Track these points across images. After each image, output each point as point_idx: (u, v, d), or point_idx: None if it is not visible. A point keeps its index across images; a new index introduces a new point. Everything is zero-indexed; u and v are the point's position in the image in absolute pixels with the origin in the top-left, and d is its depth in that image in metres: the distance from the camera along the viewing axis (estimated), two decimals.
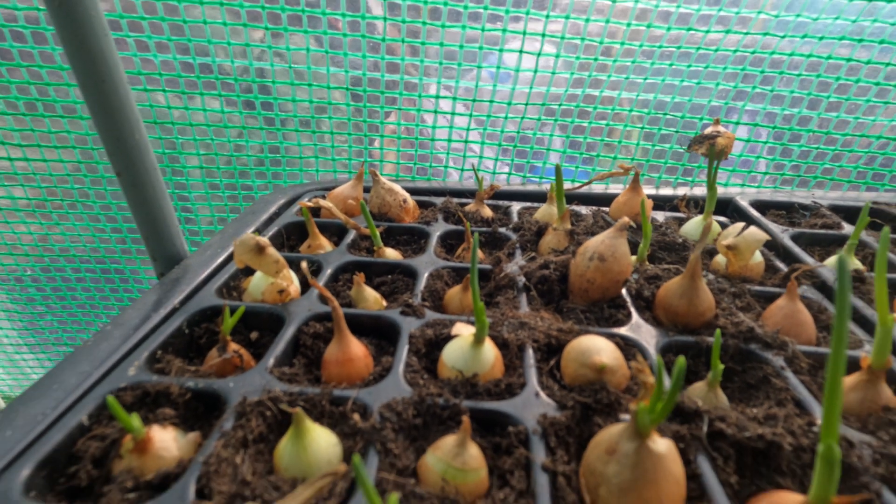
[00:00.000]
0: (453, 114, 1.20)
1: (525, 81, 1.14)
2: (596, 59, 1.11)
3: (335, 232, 0.84)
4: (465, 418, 0.40)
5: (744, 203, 0.93)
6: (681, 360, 0.34)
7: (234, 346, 0.54)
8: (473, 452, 0.40)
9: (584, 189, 1.01)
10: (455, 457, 0.39)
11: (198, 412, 0.48)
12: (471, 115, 1.24)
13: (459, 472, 0.39)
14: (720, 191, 1.02)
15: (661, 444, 0.36)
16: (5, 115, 1.12)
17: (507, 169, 1.30)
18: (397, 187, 0.89)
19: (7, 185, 1.20)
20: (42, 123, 1.14)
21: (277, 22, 1.04)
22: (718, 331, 0.49)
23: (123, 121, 0.66)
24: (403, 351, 0.52)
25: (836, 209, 0.92)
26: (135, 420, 0.40)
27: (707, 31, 1.03)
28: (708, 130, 0.81)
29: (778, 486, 0.41)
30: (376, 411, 0.44)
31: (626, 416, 0.44)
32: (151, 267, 0.78)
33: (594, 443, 0.39)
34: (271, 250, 0.59)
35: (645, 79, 1.12)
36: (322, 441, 0.41)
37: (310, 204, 0.79)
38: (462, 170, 1.29)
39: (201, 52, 1.11)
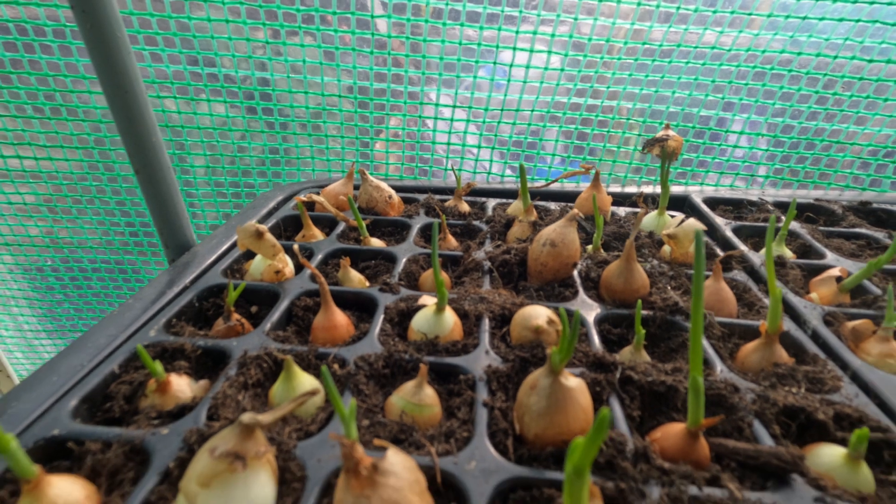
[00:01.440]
0: (452, 119, 1.31)
1: (522, 85, 1.24)
2: (602, 58, 1.19)
3: (327, 224, 0.94)
4: (423, 366, 0.50)
5: (697, 200, 1.03)
6: (576, 314, 0.44)
7: (236, 316, 0.64)
8: (429, 392, 0.50)
9: (557, 186, 1.11)
10: (413, 395, 0.49)
11: (207, 366, 0.58)
12: (467, 121, 1.34)
13: (416, 407, 0.49)
14: (681, 189, 1.13)
15: (572, 381, 0.46)
16: (32, 119, 1.23)
17: (505, 170, 1.40)
18: (384, 185, 0.99)
19: (31, 182, 1.30)
20: (65, 126, 1.24)
21: (280, 28, 1.14)
22: (640, 301, 0.59)
23: (143, 126, 0.77)
24: (379, 319, 0.62)
25: (781, 206, 1.02)
26: (157, 366, 0.50)
27: (718, 31, 1.13)
28: (660, 134, 0.91)
29: (674, 420, 0.50)
30: (352, 362, 0.54)
31: None
32: (158, 259, 0.89)
33: (523, 383, 0.49)
34: (269, 236, 0.69)
35: (647, 76, 1.21)
36: (307, 384, 0.51)
37: (304, 199, 0.89)
38: (461, 171, 1.39)
39: (208, 61, 1.21)
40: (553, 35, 1.17)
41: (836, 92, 1.15)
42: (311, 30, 1.15)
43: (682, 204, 1.06)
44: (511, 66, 1.21)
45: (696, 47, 1.16)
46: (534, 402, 0.46)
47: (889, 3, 1.06)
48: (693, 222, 0.80)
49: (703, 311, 0.42)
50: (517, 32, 1.17)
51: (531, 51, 1.20)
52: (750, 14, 1.10)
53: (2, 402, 0.49)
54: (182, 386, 0.52)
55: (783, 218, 0.95)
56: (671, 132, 0.91)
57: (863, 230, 0.90)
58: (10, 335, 1.63)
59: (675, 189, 1.11)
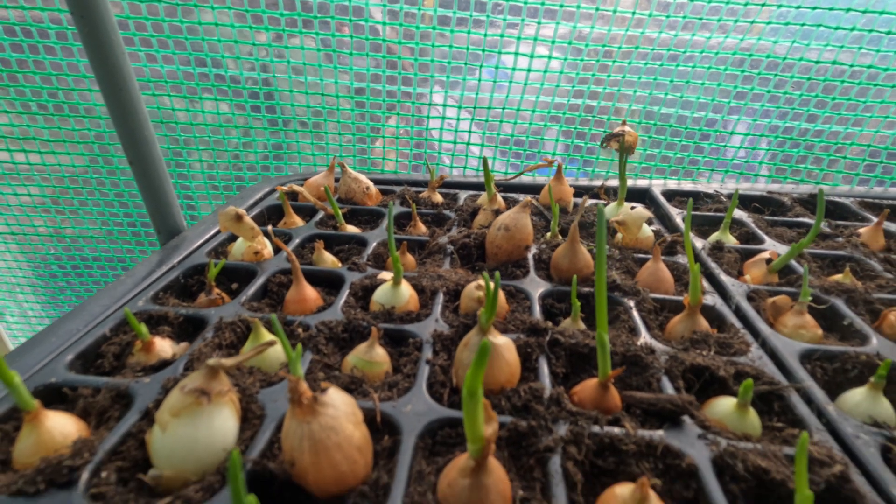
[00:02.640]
0: (458, 119, 1.38)
1: (523, 86, 1.31)
2: (599, 61, 1.26)
3: (308, 213, 1.01)
4: (374, 329, 0.57)
5: (656, 192, 1.09)
6: (497, 276, 0.51)
7: (217, 290, 0.71)
8: (379, 352, 0.57)
9: (529, 179, 1.18)
10: (365, 353, 0.56)
11: (188, 332, 0.65)
12: (471, 120, 1.42)
13: (367, 364, 0.56)
14: (645, 182, 1.19)
15: (499, 339, 0.53)
16: (37, 115, 1.31)
17: (508, 168, 1.48)
18: (362, 177, 1.06)
19: (36, 174, 1.38)
20: (66, 122, 1.32)
21: (283, 27, 1.22)
22: (575, 277, 0.65)
23: (135, 120, 0.84)
24: (344, 293, 0.69)
25: (755, 200, 1.08)
26: (143, 328, 0.58)
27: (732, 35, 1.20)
28: (617, 129, 0.98)
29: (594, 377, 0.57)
30: (314, 326, 0.61)
31: None
32: (155, 249, 0.96)
33: (460, 342, 0.56)
34: (247, 220, 0.77)
35: (640, 77, 1.27)
36: (275, 350, 0.58)
37: (286, 189, 0.96)
38: (464, 168, 1.47)
39: (211, 59, 1.29)
40: (553, 42, 1.24)
41: (834, 97, 1.20)
42: (311, 34, 1.22)
43: (643, 196, 1.13)
44: (514, 69, 1.28)
45: (684, 51, 1.22)
46: (466, 356, 0.53)
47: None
48: (641, 210, 0.86)
49: (606, 276, 0.49)
50: (518, 39, 1.24)
51: (531, 56, 1.26)
52: (752, 22, 1.16)
53: (7, 357, 0.57)
54: (164, 346, 0.59)
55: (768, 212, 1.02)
56: (627, 128, 0.97)
57: (805, 219, 0.97)
58: (16, 321, 1.71)
59: (639, 182, 1.17)
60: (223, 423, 0.45)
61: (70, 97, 1.31)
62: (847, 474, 0.43)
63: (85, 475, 0.41)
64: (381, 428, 0.48)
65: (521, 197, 1.07)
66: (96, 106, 1.32)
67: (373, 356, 0.56)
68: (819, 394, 0.53)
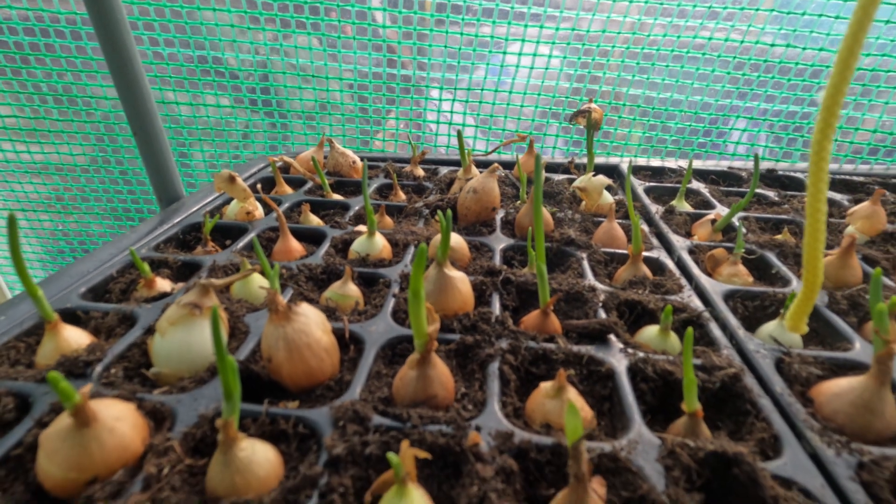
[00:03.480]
0: (451, 112, 1.46)
1: (526, 82, 1.39)
2: (594, 59, 1.34)
3: (298, 185, 1.09)
4: (348, 268, 0.65)
5: (623, 167, 1.17)
6: (448, 214, 0.59)
7: (212, 243, 0.79)
8: (352, 287, 0.65)
9: (510, 157, 1.26)
10: (339, 288, 0.64)
11: (185, 276, 0.73)
12: (475, 115, 1.49)
13: (340, 297, 0.64)
14: (616, 160, 1.27)
15: (454, 272, 0.61)
16: (51, 109, 1.39)
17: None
18: (349, 152, 1.14)
19: (48, 162, 1.47)
20: (79, 115, 1.41)
21: (285, 23, 1.30)
22: (530, 230, 0.73)
23: (140, 95, 0.92)
24: (325, 245, 0.77)
25: (699, 173, 1.16)
26: (145, 266, 0.66)
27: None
28: (584, 107, 1.06)
29: None
30: (295, 267, 0.69)
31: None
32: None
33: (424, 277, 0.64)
34: (240, 181, 0.85)
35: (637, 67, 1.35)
36: (258, 279, 0.66)
37: (277, 160, 1.04)
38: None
39: (215, 58, 1.37)
40: (554, 41, 1.31)
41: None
42: (315, 34, 1.30)
43: (612, 171, 1.20)
44: (517, 67, 1.35)
45: (672, 50, 1.30)
46: (426, 286, 0.61)
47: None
48: (601, 178, 0.94)
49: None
50: (523, 38, 1.31)
51: (534, 54, 1.34)
52: (756, 10, 1.22)
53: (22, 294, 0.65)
54: (164, 284, 0.67)
55: (692, 181, 1.10)
56: (593, 105, 1.05)
57: (758, 190, 1.04)
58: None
59: (611, 160, 1.25)
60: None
61: (75, 91, 1.39)
62: (740, 375, 0.51)
63: (98, 368, 0.49)
64: (349, 342, 0.56)
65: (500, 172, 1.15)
66: (107, 99, 1.40)
67: (346, 290, 0.64)
68: (732, 321, 0.61)
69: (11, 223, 0.47)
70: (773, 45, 1.25)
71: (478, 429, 0.43)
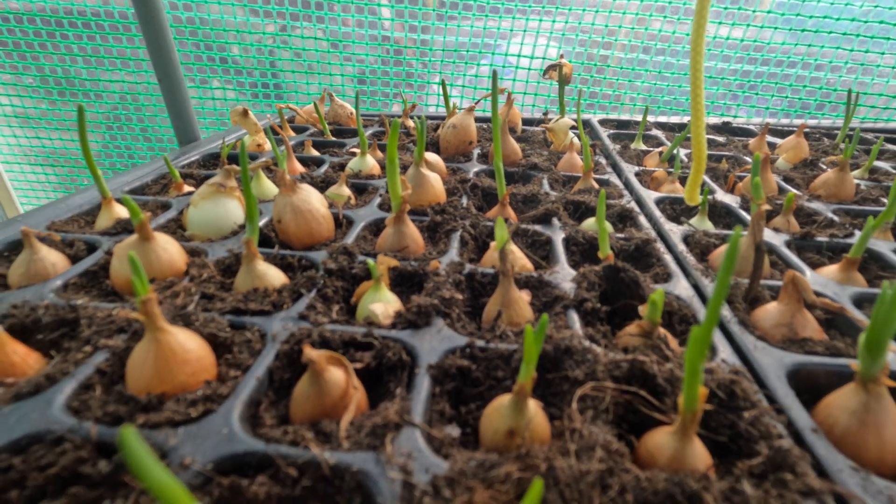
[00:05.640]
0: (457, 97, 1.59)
1: (527, 72, 1.53)
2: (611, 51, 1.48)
3: (301, 132, 1.23)
4: (343, 174, 0.79)
5: (595, 122, 1.30)
6: (423, 118, 0.72)
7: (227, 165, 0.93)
8: (345, 188, 0.79)
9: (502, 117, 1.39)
10: (336, 189, 0.78)
11: None
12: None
13: (336, 195, 0.77)
14: (587, 116, 1.40)
15: (428, 171, 0.74)
16: (65, 100, 1.53)
17: None
18: (347, 104, 1.28)
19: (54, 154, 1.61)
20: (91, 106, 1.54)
21: (290, 16, 1.43)
22: (499, 160, 0.87)
23: (164, 45, 1.06)
24: (324, 166, 0.91)
25: (661, 125, 1.29)
26: (175, 171, 0.79)
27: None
28: (556, 62, 1.19)
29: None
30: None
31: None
32: None
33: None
34: (252, 116, 0.98)
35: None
36: (269, 184, 0.80)
37: (283, 107, 1.18)
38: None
39: (219, 47, 1.51)
40: (552, 33, 1.45)
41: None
42: (320, 27, 1.44)
43: (585, 125, 1.33)
44: (519, 63, 1.49)
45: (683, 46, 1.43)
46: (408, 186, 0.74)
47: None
48: (566, 120, 1.08)
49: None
50: (525, 30, 1.44)
51: (536, 48, 1.47)
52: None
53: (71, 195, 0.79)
54: (190, 188, 0.81)
55: (652, 129, 1.23)
56: (564, 60, 1.18)
57: (709, 136, 1.17)
58: None
59: (584, 116, 1.38)
60: (233, 208, 0.67)
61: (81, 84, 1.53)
62: (651, 240, 0.65)
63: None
64: (343, 221, 0.70)
65: (484, 126, 1.29)
66: (115, 92, 1.54)
67: (340, 191, 0.78)
68: (657, 213, 0.75)
69: (80, 112, 0.61)
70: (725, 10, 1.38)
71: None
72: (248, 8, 1.41)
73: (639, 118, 1.39)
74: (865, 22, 1.30)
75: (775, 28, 1.31)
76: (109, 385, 0.40)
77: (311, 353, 0.37)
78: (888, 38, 1.30)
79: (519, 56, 1.52)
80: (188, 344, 0.39)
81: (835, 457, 0.35)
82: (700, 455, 0.34)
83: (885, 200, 0.81)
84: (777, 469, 0.33)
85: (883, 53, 1.29)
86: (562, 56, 1.20)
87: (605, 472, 0.31)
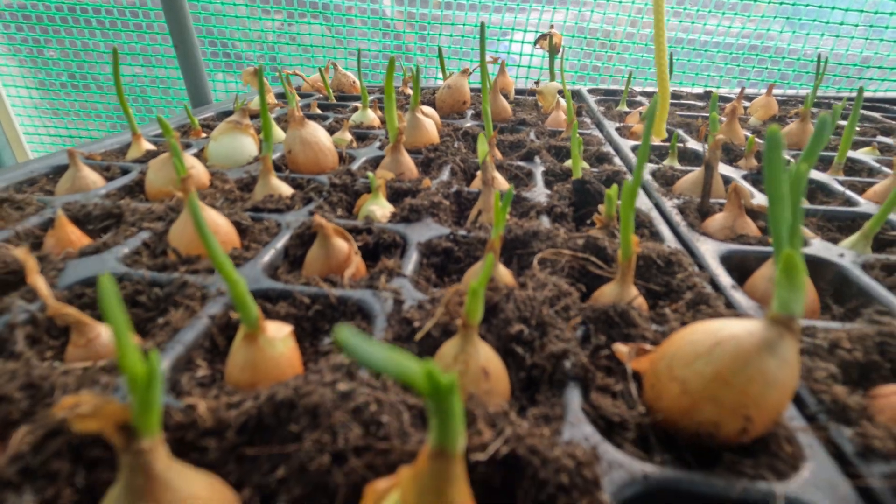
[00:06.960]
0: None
1: (528, 70, 1.61)
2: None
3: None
4: (346, 121, 0.87)
5: (585, 91, 1.38)
6: (416, 66, 0.80)
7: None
8: (347, 133, 0.87)
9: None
10: (339, 134, 0.86)
11: None
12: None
13: (340, 139, 0.86)
14: (577, 87, 1.48)
15: (424, 119, 0.82)
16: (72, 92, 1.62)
17: None
18: (350, 74, 1.35)
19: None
20: (93, 97, 1.63)
21: (297, 3, 1.51)
22: (488, 115, 0.94)
23: (181, 13, 1.14)
24: (329, 120, 0.99)
25: (649, 94, 1.36)
26: (196, 120, 0.88)
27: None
28: (546, 32, 1.26)
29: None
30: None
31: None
32: None
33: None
34: (262, 77, 1.06)
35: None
36: (278, 134, 0.88)
37: (290, 71, 1.26)
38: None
39: (222, 43, 1.59)
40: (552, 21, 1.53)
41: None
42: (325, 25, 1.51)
43: (575, 94, 1.41)
44: (520, 58, 1.57)
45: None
46: (405, 124, 0.82)
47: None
48: (554, 83, 1.15)
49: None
50: (525, 28, 1.52)
51: (535, 41, 1.55)
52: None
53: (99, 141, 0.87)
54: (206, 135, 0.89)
55: (634, 92, 1.31)
56: (554, 30, 1.26)
57: (689, 101, 1.25)
58: None
59: (574, 88, 1.46)
60: (248, 143, 0.75)
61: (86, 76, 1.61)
62: (621, 172, 0.72)
63: None
64: (346, 157, 0.78)
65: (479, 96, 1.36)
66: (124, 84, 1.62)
67: (344, 135, 0.86)
68: (631, 156, 0.82)
69: (115, 55, 0.69)
70: None
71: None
72: (252, 5, 1.49)
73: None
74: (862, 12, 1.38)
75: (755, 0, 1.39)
76: (153, 255, 0.48)
77: (320, 220, 0.45)
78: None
79: (522, 42, 1.59)
80: (218, 219, 0.47)
81: (747, 301, 0.42)
82: (636, 295, 0.42)
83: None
84: (696, 305, 0.41)
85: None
86: (552, 27, 1.27)
87: (554, 297, 0.39)
